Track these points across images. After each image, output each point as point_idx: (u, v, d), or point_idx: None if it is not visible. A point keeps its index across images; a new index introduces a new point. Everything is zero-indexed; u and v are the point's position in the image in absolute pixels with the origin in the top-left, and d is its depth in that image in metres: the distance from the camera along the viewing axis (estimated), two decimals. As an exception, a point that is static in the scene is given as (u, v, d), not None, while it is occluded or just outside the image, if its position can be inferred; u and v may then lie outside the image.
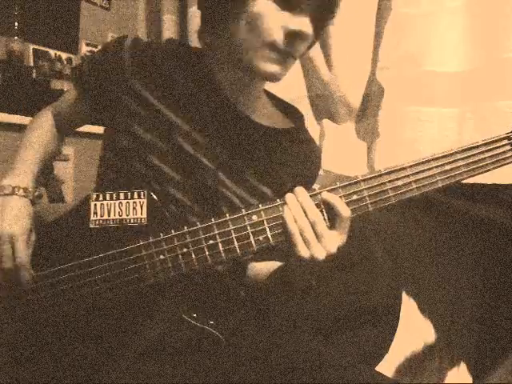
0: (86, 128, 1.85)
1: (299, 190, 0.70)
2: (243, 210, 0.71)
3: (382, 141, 1.32)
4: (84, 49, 2.13)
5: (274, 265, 0.86)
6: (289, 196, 0.70)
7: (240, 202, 0.82)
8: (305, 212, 0.68)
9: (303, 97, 1.53)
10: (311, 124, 1.50)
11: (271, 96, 0.95)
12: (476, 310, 1.49)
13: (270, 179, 0.85)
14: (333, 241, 0.68)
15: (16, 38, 1.84)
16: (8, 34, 1.84)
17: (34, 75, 1.87)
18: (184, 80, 0.83)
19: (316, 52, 1.46)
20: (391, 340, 1.27)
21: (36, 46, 1.96)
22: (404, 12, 1.29)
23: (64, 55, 2.05)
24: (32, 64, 1.92)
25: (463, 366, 1.48)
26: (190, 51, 0.87)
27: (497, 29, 1.17)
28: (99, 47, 2.13)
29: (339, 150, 1.45)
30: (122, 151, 0.82)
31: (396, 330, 1.26)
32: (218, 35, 0.80)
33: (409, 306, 1.46)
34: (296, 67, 1.51)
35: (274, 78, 0.77)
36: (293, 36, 0.72)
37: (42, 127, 0.93)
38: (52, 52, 2.01)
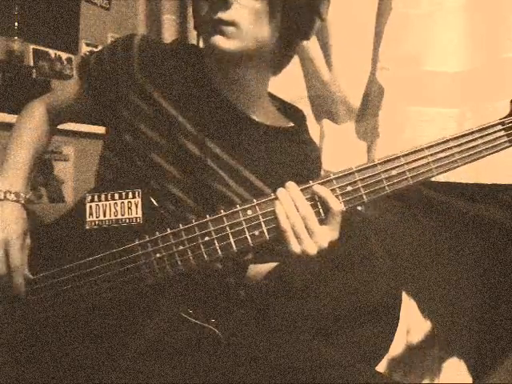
0: (86, 128, 1.86)
1: (290, 184, 0.70)
2: (238, 205, 0.71)
3: (381, 141, 1.32)
4: (84, 49, 2.12)
5: (272, 265, 0.86)
6: (280, 191, 0.70)
7: (240, 200, 0.82)
8: (296, 207, 0.68)
9: (303, 97, 1.53)
10: (311, 124, 1.50)
11: (274, 97, 0.96)
12: (476, 310, 1.49)
13: (270, 178, 0.85)
14: (324, 236, 0.68)
15: (16, 37, 1.83)
16: (8, 34, 1.83)
17: (34, 75, 1.87)
18: (187, 80, 0.84)
19: (316, 52, 1.46)
20: (391, 340, 1.27)
21: (36, 46, 1.96)
22: (404, 12, 1.29)
23: (64, 55, 2.05)
24: (32, 64, 1.92)
25: (463, 366, 1.48)
26: (194, 51, 0.87)
27: (497, 29, 1.17)
28: (100, 47, 2.13)
29: (339, 149, 1.45)
30: (123, 149, 0.82)
31: (396, 329, 1.26)
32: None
33: (409, 306, 1.46)
34: (296, 67, 1.51)
35: (222, 51, 0.76)
36: (213, 2, 0.74)
37: (33, 124, 0.91)
38: (52, 52, 2.01)
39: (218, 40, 0.75)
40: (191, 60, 0.86)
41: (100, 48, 0.92)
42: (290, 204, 0.68)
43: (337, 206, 0.68)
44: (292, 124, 0.92)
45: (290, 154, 0.88)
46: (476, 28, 1.21)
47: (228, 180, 0.82)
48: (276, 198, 0.70)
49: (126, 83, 0.83)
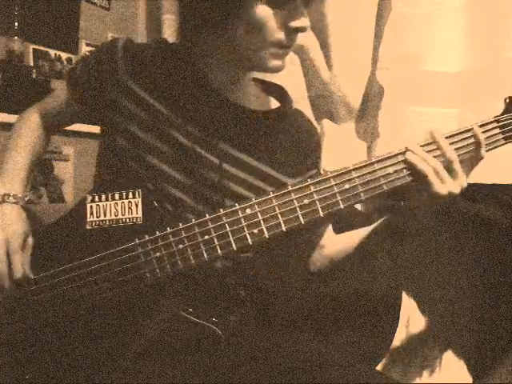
0: (86, 128, 1.86)
1: (436, 132, 0.73)
2: (237, 204, 0.71)
3: (381, 141, 1.32)
4: (84, 49, 2.12)
5: (357, 233, 0.87)
6: (413, 145, 0.73)
7: (245, 189, 0.83)
8: (445, 152, 0.72)
9: (303, 97, 1.53)
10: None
11: (257, 80, 0.96)
12: (476, 310, 1.49)
13: (272, 159, 0.86)
14: (464, 177, 0.73)
15: (16, 37, 1.83)
16: (8, 34, 1.83)
17: (34, 75, 1.86)
18: (176, 77, 0.84)
19: (316, 52, 1.46)
20: (391, 340, 1.27)
21: (36, 46, 1.95)
22: (404, 12, 1.29)
23: (64, 55, 2.05)
24: (32, 64, 1.92)
25: (463, 366, 1.48)
26: (179, 49, 0.87)
27: (497, 29, 1.17)
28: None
29: (339, 149, 1.45)
30: (119, 152, 0.82)
31: (396, 329, 1.26)
32: (212, 36, 0.80)
33: (409, 306, 1.46)
34: (296, 67, 1.51)
35: (279, 70, 0.80)
36: (293, 31, 0.76)
37: (29, 129, 0.93)
38: (52, 52, 2.01)
39: (277, 64, 0.79)
40: (178, 58, 0.85)
41: (87, 55, 0.92)
42: (424, 152, 0.72)
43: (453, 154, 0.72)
44: (278, 104, 0.92)
45: (285, 132, 0.89)
46: (476, 28, 1.21)
47: (230, 170, 0.82)
48: (275, 197, 0.71)
49: (115, 88, 0.83)
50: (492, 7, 1.18)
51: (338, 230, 0.93)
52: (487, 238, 1.45)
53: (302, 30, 0.76)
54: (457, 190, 0.72)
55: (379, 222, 0.85)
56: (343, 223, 0.93)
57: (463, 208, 1.36)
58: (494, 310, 1.47)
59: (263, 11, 0.73)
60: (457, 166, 0.72)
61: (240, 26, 0.75)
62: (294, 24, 0.74)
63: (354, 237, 0.88)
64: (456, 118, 1.24)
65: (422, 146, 0.73)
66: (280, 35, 0.75)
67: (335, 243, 0.91)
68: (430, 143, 0.73)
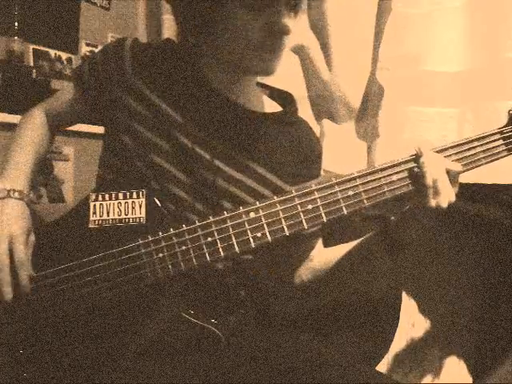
0: (86, 128, 1.87)
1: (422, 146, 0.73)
2: (241, 207, 0.72)
3: (381, 141, 1.32)
4: (84, 49, 2.12)
5: (346, 247, 0.86)
6: (425, 152, 0.73)
7: (241, 190, 0.83)
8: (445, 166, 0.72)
9: (303, 97, 1.53)
10: (311, 124, 1.50)
11: (263, 85, 0.97)
12: (476, 310, 1.49)
13: (270, 163, 0.86)
14: (453, 192, 0.72)
15: (16, 38, 1.83)
16: (8, 34, 1.83)
17: (33, 75, 1.86)
18: (177, 77, 0.85)
19: (316, 52, 1.46)
20: (391, 340, 1.27)
21: (36, 46, 1.96)
22: (404, 12, 1.29)
23: (64, 55, 2.05)
24: (32, 64, 1.92)
25: (463, 366, 1.48)
26: (185, 50, 0.88)
27: (497, 29, 1.17)
28: (99, 48, 2.13)
29: (339, 150, 1.45)
30: (122, 151, 0.83)
31: (396, 329, 1.26)
32: (212, 36, 0.81)
33: (409, 306, 1.46)
34: (296, 67, 1.51)
35: (268, 73, 0.80)
36: (276, 34, 0.75)
37: (33, 127, 0.93)
38: (52, 52, 2.01)
39: (265, 67, 0.79)
40: (182, 59, 0.86)
41: (93, 53, 0.93)
42: (433, 166, 0.72)
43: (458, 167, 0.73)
44: (282, 108, 0.92)
45: (285, 136, 0.89)
46: (476, 28, 1.21)
47: (228, 171, 0.82)
48: (279, 201, 0.71)
49: (120, 87, 0.84)
50: (492, 7, 1.18)
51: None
52: (487, 238, 1.45)
53: (284, 32, 0.75)
54: (445, 205, 0.72)
55: (369, 235, 0.84)
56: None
57: (463, 208, 1.35)
58: (494, 310, 1.47)
59: (243, 16, 0.73)
60: (456, 177, 0.73)
61: (223, 31, 0.76)
62: (272, 25, 0.74)
63: (342, 251, 0.87)
64: (456, 118, 1.24)
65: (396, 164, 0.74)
66: (262, 38, 0.75)
67: (323, 256, 0.90)
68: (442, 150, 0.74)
